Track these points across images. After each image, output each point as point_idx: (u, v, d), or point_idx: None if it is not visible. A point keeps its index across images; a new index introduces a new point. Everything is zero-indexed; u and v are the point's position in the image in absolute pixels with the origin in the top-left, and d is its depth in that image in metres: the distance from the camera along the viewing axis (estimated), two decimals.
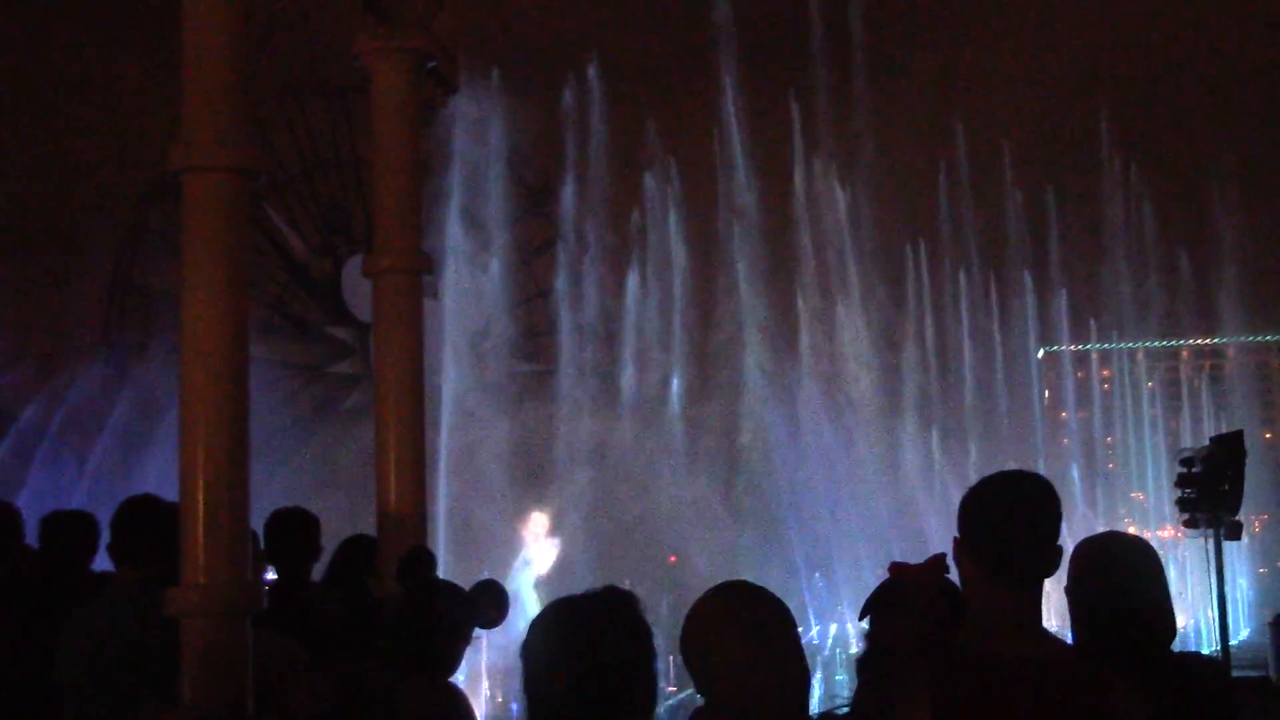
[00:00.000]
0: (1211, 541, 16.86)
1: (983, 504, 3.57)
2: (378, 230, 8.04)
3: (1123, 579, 4.09)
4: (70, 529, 6.19)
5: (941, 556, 4.34)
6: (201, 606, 5.39)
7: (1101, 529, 5.57)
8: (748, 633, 3.24)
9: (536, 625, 3.14)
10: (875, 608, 4.59)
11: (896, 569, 4.61)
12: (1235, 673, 10.86)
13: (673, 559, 33.09)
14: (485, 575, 7.65)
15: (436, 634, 5.32)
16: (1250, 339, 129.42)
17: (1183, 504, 17.77)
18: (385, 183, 7.98)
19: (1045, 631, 3.54)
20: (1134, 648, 3.99)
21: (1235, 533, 17.77)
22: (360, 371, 39.37)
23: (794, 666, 3.28)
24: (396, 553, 6.89)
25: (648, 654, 3.13)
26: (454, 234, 33.79)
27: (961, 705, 3.41)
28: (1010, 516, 3.53)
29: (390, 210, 7.96)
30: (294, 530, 6.71)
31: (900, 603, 4.48)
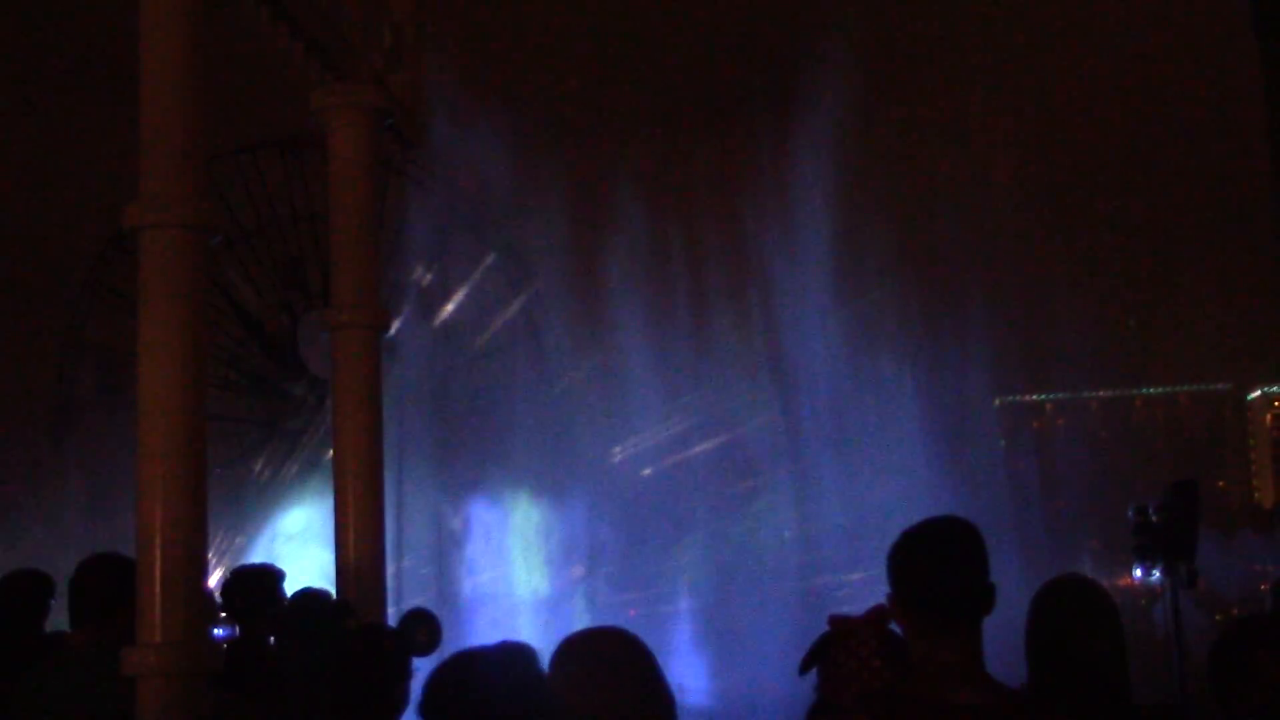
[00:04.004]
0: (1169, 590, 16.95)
1: (907, 556, 3.62)
2: (336, 286, 8.04)
3: (1071, 624, 4.12)
4: (25, 589, 6.08)
5: (881, 607, 4.35)
6: (158, 666, 5.34)
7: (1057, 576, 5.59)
8: (595, 671, 3.32)
9: (433, 683, 3.13)
10: (815, 660, 4.59)
11: (835, 622, 4.61)
12: None
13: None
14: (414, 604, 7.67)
15: (381, 680, 5.29)
16: (1204, 387, 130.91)
17: (1139, 552, 17.90)
18: (343, 238, 7.99)
19: (988, 677, 3.56)
20: (1083, 694, 4.02)
21: (1191, 581, 17.90)
22: (317, 427, 39.12)
23: (645, 699, 3.35)
24: (357, 606, 6.84)
25: (545, 706, 3.14)
26: (411, 288, 33.84)
27: None
28: (934, 565, 3.57)
29: (348, 266, 7.97)
30: (255, 588, 6.65)
31: (839, 655, 4.48)
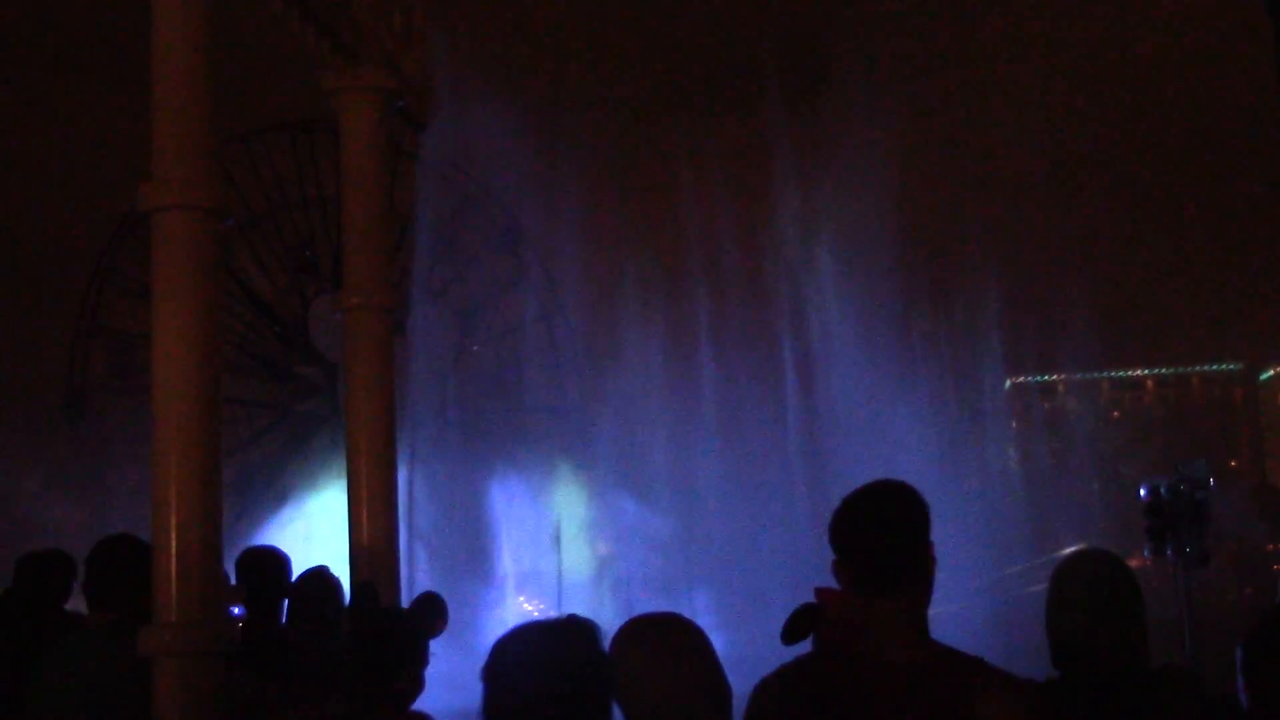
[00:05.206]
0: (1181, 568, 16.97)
1: (843, 520, 3.65)
2: (348, 268, 8.06)
3: (1085, 598, 4.14)
4: (46, 568, 6.13)
5: None
6: (174, 646, 5.36)
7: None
8: (661, 657, 3.34)
9: (500, 648, 3.18)
10: (800, 631, 4.61)
11: (820, 593, 4.63)
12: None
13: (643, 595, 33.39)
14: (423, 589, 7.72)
15: (393, 662, 5.32)
16: (1214, 368, 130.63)
17: (1150, 532, 17.91)
18: (355, 221, 8.00)
19: (928, 639, 3.59)
20: (1099, 667, 4.04)
21: (1202, 560, 17.93)
22: (328, 410, 39.24)
23: (709, 686, 3.37)
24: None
25: (605, 684, 3.18)
26: (422, 271, 33.95)
27: (817, 703, 3.49)
28: (868, 527, 3.61)
29: (361, 248, 7.98)
30: (266, 568, 6.69)
31: (820, 625, 4.50)
